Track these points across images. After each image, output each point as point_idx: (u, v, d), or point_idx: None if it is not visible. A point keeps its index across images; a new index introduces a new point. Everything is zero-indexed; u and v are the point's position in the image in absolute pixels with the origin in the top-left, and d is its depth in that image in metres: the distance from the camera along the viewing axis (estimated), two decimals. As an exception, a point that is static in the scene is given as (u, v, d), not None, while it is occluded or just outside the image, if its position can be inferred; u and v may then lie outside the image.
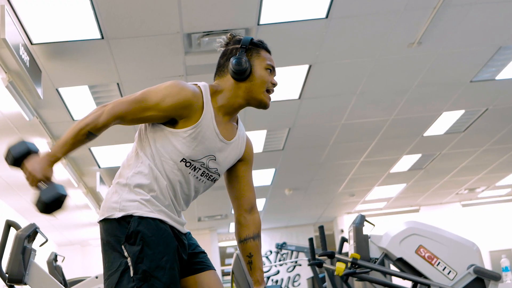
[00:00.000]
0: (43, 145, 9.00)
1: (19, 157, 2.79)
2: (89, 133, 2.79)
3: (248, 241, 3.17)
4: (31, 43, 6.46)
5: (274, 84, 3.04)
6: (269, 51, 3.08)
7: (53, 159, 2.78)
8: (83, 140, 2.80)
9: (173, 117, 2.86)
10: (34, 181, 2.75)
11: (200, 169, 2.94)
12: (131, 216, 2.83)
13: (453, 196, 17.50)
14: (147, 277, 2.76)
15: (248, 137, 3.21)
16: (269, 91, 3.02)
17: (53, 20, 6.20)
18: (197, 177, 2.96)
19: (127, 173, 2.92)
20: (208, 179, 3.01)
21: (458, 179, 15.27)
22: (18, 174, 2.89)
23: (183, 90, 2.85)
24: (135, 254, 2.78)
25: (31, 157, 2.79)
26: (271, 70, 3.03)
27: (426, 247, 5.54)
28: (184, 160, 2.89)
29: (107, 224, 2.89)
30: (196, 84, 2.94)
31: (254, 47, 3.03)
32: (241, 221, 3.19)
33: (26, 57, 6.06)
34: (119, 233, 2.83)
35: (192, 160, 2.90)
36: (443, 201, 18.22)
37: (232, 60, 2.96)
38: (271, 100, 3.05)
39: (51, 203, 2.74)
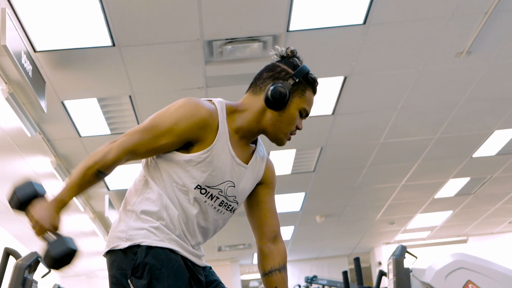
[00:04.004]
0: (46, 164, 9.06)
1: (26, 200, 2.78)
2: (98, 172, 2.80)
3: (273, 274, 3.14)
4: (34, 51, 6.51)
5: (299, 128, 3.05)
6: (315, 93, 3.04)
7: (60, 204, 2.78)
8: (92, 180, 2.80)
9: (190, 140, 2.84)
10: (41, 231, 2.75)
11: (218, 197, 2.92)
12: (138, 246, 2.81)
13: (505, 225, 17.40)
14: None
15: (268, 157, 3.20)
16: (292, 133, 3.04)
17: (58, 26, 6.24)
18: (215, 207, 2.93)
19: (133, 200, 2.92)
20: (227, 209, 2.99)
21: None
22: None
23: (198, 109, 2.83)
24: None
25: (37, 202, 2.78)
26: (304, 115, 3.02)
27: (475, 283, 5.51)
28: (199, 187, 2.86)
29: (112, 256, 2.88)
30: (211, 100, 2.92)
31: (305, 83, 2.98)
32: (264, 252, 3.16)
33: (28, 66, 6.10)
34: (125, 265, 2.81)
35: (208, 187, 2.88)
36: (494, 231, 18.11)
37: (274, 85, 2.92)
38: None
39: (61, 258, 2.74)
